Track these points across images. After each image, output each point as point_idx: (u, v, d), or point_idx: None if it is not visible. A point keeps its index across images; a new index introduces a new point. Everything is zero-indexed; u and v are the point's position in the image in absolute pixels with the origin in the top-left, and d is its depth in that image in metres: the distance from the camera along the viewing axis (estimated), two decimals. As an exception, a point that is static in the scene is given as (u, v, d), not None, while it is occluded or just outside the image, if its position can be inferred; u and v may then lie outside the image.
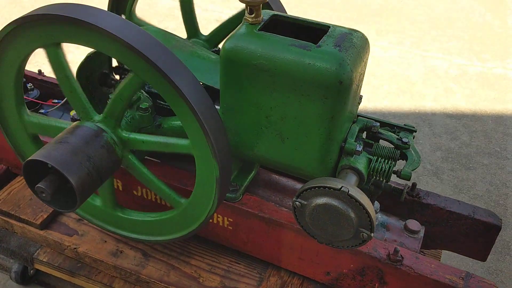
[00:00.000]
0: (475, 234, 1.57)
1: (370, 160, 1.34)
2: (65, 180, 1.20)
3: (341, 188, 1.13)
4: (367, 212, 1.14)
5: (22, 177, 1.93)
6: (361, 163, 1.32)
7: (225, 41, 1.25)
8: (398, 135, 1.47)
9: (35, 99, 1.96)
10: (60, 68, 1.29)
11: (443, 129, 3.17)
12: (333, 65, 1.14)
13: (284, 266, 1.59)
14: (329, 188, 1.15)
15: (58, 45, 1.27)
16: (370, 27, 4.60)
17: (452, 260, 2.13)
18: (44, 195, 1.20)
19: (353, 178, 1.29)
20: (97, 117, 1.34)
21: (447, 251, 1.78)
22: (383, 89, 3.31)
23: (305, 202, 1.20)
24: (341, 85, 1.15)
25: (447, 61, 4.08)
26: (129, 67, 1.21)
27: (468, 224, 1.56)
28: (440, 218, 1.59)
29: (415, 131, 1.50)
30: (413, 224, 1.50)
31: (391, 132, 1.48)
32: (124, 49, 1.15)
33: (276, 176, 1.66)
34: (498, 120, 3.30)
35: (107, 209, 1.53)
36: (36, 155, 1.20)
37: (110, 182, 1.45)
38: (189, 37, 1.85)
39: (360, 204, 1.13)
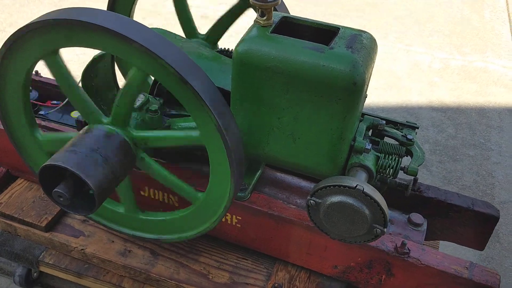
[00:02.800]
0: (474, 225, 1.64)
1: (378, 158, 1.39)
2: (82, 183, 1.21)
3: (356, 186, 1.18)
4: (381, 209, 1.19)
5: (23, 179, 1.93)
6: (370, 161, 1.37)
7: (238, 44, 1.27)
8: (401, 132, 1.52)
9: (34, 100, 1.95)
10: (61, 75, 1.30)
11: (430, 122, 3.26)
12: (347, 66, 1.18)
13: (292, 261, 1.63)
14: (344, 186, 1.19)
15: (56, 53, 1.26)
16: (354, 22, 4.66)
17: (446, 249, 2.21)
18: (62, 199, 1.21)
19: (363, 176, 1.33)
20: (106, 119, 1.35)
21: (442, 242, 1.85)
22: (371, 84, 3.37)
23: (320, 201, 1.24)
24: (355, 86, 1.19)
25: (430, 55, 4.18)
26: (139, 67, 1.21)
27: (467, 216, 1.63)
28: (441, 211, 1.66)
29: (417, 128, 1.56)
30: (417, 217, 1.56)
31: (395, 129, 1.53)
32: (134, 50, 1.16)
33: (281, 174, 1.69)
34: (481, 113, 3.41)
35: (129, 213, 1.54)
36: (52, 160, 1.21)
37: (129, 186, 1.46)
38: (187, 37, 1.86)
39: (375, 201, 1.18)
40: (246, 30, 1.31)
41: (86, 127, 1.35)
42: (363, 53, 1.23)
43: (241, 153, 1.31)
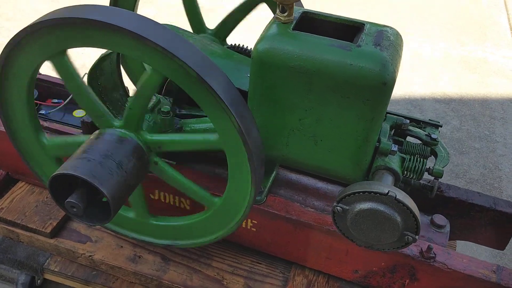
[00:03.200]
0: (496, 225, 1.60)
1: (403, 159, 1.33)
2: (95, 191, 1.14)
3: (388, 192, 1.12)
4: (414, 216, 1.13)
5: (24, 182, 1.84)
6: (395, 163, 1.31)
7: (258, 42, 1.20)
8: (424, 131, 1.46)
9: (34, 99, 1.85)
10: (70, 77, 1.22)
11: (434, 114, 3.22)
12: (377, 65, 1.11)
13: (310, 266, 1.58)
14: (375, 193, 1.13)
15: (64, 53, 1.18)
16: (355, 14, 4.59)
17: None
18: (75, 210, 1.14)
19: (389, 179, 1.28)
20: (117, 122, 1.27)
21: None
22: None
23: (347, 207, 1.18)
24: (385, 87, 1.12)
25: (430, 45, 4.12)
26: (155, 68, 1.13)
27: (489, 216, 1.59)
28: (462, 211, 1.61)
29: (441, 126, 1.50)
30: (440, 219, 1.51)
31: (417, 128, 1.47)
32: (151, 51, 1.08)
33: (297, 175, 1.63)
34: (484, 104, 3.38)
35: (141, 219, 1.47)
36: (63, 169, 1.14)
37: (140, 191, 1.39)
38: (194, 32, 1.78)
39: (408, 208, 1.12)
40: (265, 26, 1.24)
41: (97, 132, 1.27)
42: (392, 50, 1.17)
43: (262, 158, 1.24)
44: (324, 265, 1.54)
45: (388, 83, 1.12)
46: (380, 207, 1.13)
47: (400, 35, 1.27)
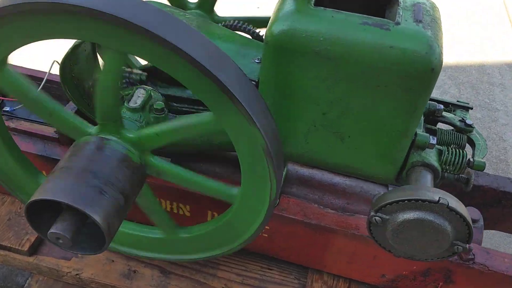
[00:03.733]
0: (529, 213, 1.46)
1: (440, 152, 1.15)
2: (83, 215, 0.93)
3: (439, 200, 0.93)
4: (467, 225, 0.96)
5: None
6: (432, 157, 1.13)
7: (272, 23, 0.98)
8: (455, 115, 1.28)
9: (-5, 94, 1.58)
10: (20, 88, 0.99)
11: (430, 83, 3.05)
12: (423, 48, 0.92)
13: (328, 270, 1.41)
14: (423, 201, 0.94)
15: (5, 63, 0.96)
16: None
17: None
18: (61, 241, 0.92)
19: (428, 177, 1.10)
20: (92, 128, 1.04)
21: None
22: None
23: (387, 217, 1.00)
24: (432, 73, 0.93)
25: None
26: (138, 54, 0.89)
27: (523, 204, 1.44)
28: (492, 199, 1.46)
29: (471, 108, 1.32)
30: (473, 212, 1.35)
31: (446, 111, 1.29)
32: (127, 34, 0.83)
33: (308, 170, 1.43)
34: (481, 70, 3.22)
35: (170, 236, 1.26)
36: (42, 193, 0.91)
37: (157, 204, 1.18)
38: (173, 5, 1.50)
39: (461, 216, 0.95)
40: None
41: (72, 145, 1.04)
42: (435, 28, 0.97)
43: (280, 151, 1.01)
44: (346, 270, 1.38)
45: (435, 69, 0.92)
46: (429, 217, 0.95)
47: (437, 7, 1.06)
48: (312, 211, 1.29)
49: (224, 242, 1.21)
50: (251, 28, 1.36)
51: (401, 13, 0.97)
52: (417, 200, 0.95)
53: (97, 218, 0.90)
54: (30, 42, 0.91)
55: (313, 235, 1.30)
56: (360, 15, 0.95)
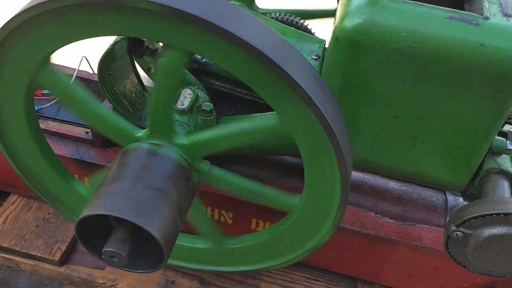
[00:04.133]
0: None
1: (514, 157, 1.06)
2: (134, 230, 0.84)
3: (534, 213, 0.84)
4: (562, 239, 0.87)
5: (17, 195, 1.50)
6: (508, 163, 1.04)
7: (343, 17, 0.88)
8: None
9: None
10: (68, 92, 0.92)
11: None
12: (518, 46, 0.82)
13: (382, 282, 1.32)
14: (515, 214, 0.85)
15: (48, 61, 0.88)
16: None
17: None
18: (116, 260, 0.83)
19: (505, 186, 1.01)
20: (141, 132, 0.94)
21: None
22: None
23: (470, 232, 0.91)
24: (527, 74, 0.83)
25: None
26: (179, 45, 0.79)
27: None
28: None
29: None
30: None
31: None
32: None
33: (358, 174, 1.33)
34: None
35: (218, 246, 1.16)
36: (96, 208, 0.82)
37: (203, 212, 1.09)
38: None
39: (558, 230, 0.85)
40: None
41: (121, 152, 0.94)
42: (526, 23, 0.87)
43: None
44: (402, 282, 1.29)
45: (530, 69, 0.83)
46: (520, 233, 0.86)
47: (521, -1, 0.97)
48: (369, 221, 1.20)
49: (279, 253, 1.12)
50: (298, 20, 1.27)
51: (487, 6, 0.87)
52: (506, 215, 0.86)
53: (156, 234, 0.81)
54: (80, 40, 0.81)
55: (370, 246, 1.21)
56: (445, 8, 0.86)
